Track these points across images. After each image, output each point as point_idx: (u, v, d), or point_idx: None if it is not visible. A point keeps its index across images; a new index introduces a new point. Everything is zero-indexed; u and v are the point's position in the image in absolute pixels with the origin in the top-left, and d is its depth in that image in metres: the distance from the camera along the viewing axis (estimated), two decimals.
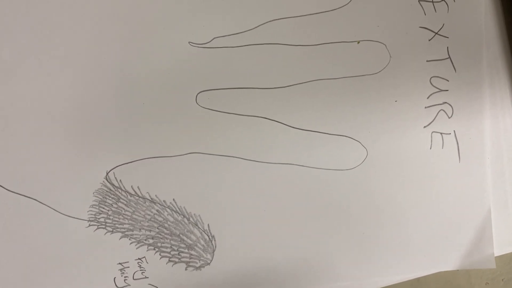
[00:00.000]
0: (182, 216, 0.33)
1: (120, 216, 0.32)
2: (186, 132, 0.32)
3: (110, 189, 0.32)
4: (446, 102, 0.34)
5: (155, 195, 0.32)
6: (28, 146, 0.31)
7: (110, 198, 0.32)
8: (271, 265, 0.34)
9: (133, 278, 0.33)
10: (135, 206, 0.32)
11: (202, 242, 0.33)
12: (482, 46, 0.34)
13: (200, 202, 0.33)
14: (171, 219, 0.33)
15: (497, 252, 0.36)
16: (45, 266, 0.32)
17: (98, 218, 0.32)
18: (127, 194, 0.32)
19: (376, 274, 0.35)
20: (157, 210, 0.33)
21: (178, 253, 0.33)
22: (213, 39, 0.32)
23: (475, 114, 0.35)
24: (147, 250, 0.33)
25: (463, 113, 0.34)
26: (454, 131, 0.34)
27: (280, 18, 0.32)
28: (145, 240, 0.33)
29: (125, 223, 0.32)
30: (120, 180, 0.32)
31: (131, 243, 0.33)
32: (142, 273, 0.33)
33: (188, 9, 0.31)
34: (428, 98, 0.34)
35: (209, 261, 0.33)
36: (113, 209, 0.32)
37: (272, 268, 0.34)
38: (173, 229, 0.33)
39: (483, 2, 0.34)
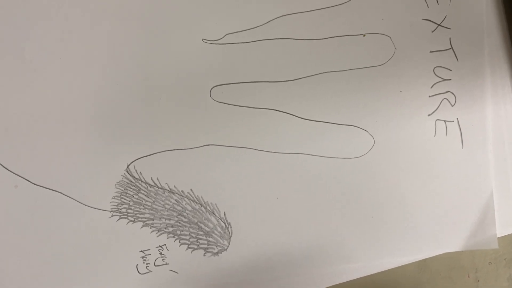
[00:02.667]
0: (199, 205, 0.34)
1: (141, 206, 0.34)
2: (201, 125, 0.34)
3: (131, 181, 0.33)
4: (449, 91, 0.36)
5: (174, 186, 0.34)
6: (52, 142, 0.33)
7: (131, 190, 0.34)
8: (285, 249, 0.36)
9: (154, 265, 0.35)
10: (155, 196, 0.34)
11: (219, 229, 0.35)
12: (483, 36, 0.35)
13: (216, 191, 0.34)
14: (189, 208, 0.34)
15: (500, 233, 0.37)
16: (70, 255, 0.34)
17: (120, 209, 0.34)
18: (147, 185, 0.34)
19: (384, 256, 0.37)
20: (176, 200, 0.34)
21: (197, 240, 0.35)
22: (225, 35, 0.33)
23: (477, 102, 0.36)
24: (167, 238, 0.35)
25: (466, 101, 0.36)
26: (457, 118, 0.36)
27: (289, 14, 0.34)
28: (165, 228, 0.34)
29: (146, 213, 0.34)
30: (140, 172, 0.34)
31: (151, 232, 0.34)
32: (163, 259, 0.35)
33: (200, 7, 0.33)
34: (431, 87, 0.35)
35: (226, 247, 0.35)
36: (134, 199, 0.34)
37: (286, 252, 0.36)
38: (191, 217, 0.35)
39: None
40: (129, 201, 0.34)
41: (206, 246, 0.35)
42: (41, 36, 0.32)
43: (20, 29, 0.32)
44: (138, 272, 0.35)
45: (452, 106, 0.36)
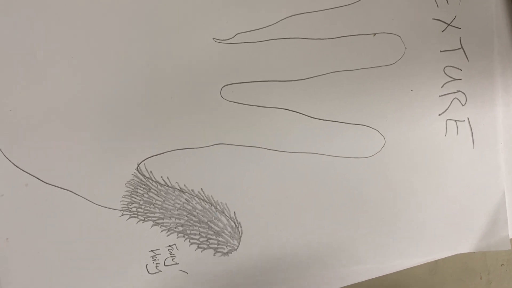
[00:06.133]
0: (209, 204, 0.34)
1: (151, 206, 0.34)
2: (212, 124, 0.34)
3: (141, 180, 0.33)
4: (459, 91, 0.36)
5: (184, 185, 0.34)
6: (63, 141, 0.33)
7: (141, 189, 0.34)
8: (295, 249, 0.35)
9: (164, 265, 0.35)
10: (165, 195, 0.34)
11: (229, 229, 0.35)
12: (493, 36, 0.35)
13: (226, 190, 0.34)
14: (199, 207, 0.34)
15: None
16: (79, 254, 0.34)
17: (130, 208, 0.34)
18: (158, 184, 0.34)
19: (395, 257, 0.36)
20: (186, 199, 0.34)
21: (207, 240, 0.35)
22: (236, 35, 0.33)
23: (488, 101, 0.36)
24: (177, 238, 0.35)
25: (476, 100, 0.36)
26: (468, 118, 0.36)
27: (299, 13, 0.34)
28: (175, 228, 0.34)
29: (156, 212, 0.34)
30: (151, 171, 0.33)
31: (161, 231, 0.34)
32: (172, 259, 0.35)
33: (211, 7, 0.33)
34: (442, 87, 0.35)
35: (236, 247, 0.35)
36: (144, 199, 0.34)
37: (296, 252, 0.35)
38: (201, 217, 0.34)
39: None
40: (139, 200, 0.34)
41: (216, 246, 0.35)
42: (52, 36, 0.32)
43: (32, 29, 0.32)
44: (148, 272, 0.34)
45: (462, 105, 0.36)
